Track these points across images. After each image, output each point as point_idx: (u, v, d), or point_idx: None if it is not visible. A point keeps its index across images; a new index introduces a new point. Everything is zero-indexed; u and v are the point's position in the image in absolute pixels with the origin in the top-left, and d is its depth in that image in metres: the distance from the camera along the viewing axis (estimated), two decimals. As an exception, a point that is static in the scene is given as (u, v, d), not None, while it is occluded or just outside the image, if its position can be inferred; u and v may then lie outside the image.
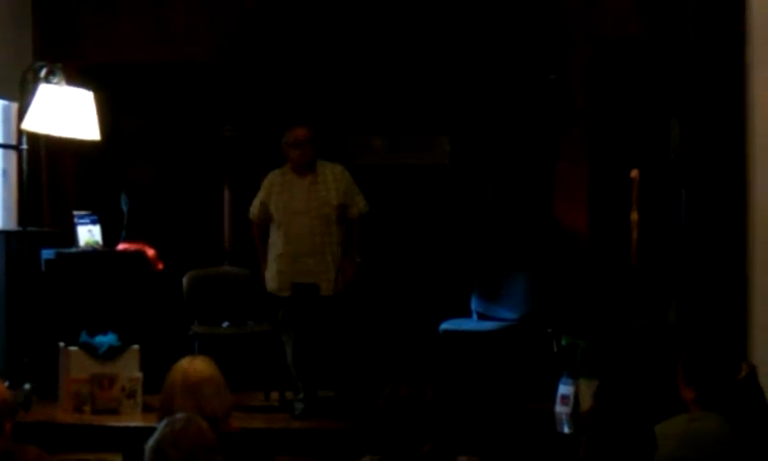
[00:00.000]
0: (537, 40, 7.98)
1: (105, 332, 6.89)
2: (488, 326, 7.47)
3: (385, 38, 8.06)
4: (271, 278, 6.91)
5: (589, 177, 7.89)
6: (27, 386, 6.76)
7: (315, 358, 6.88)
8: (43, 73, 7.02)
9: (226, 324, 7.36)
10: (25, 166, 7.08)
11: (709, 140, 7.39)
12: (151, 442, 3.16)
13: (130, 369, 6.83)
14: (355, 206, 6.90)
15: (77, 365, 6.80)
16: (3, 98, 7.70)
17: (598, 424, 3.49)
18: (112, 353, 6.83)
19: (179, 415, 3.31)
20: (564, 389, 6.39)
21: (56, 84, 6.97)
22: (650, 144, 7.64)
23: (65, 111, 6.90)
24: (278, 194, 6.91)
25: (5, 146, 7.84)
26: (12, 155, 7.82)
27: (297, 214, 6.82)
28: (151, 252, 7.49)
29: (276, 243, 6.89)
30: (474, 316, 7.67)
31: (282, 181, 6.93)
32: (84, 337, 6.85)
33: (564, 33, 7.93)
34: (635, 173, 6.97)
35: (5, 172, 7.88)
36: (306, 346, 6.85)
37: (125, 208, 7.91)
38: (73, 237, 7.31)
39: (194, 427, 3.20)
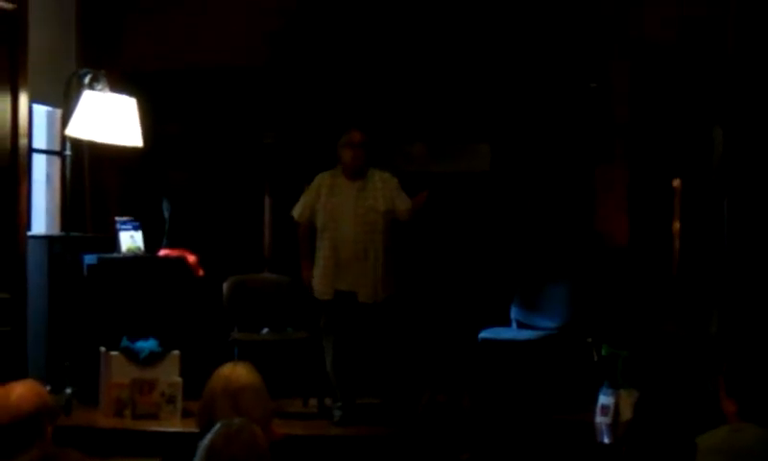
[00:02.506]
0: (578, 49, 7.96)
1: (145, 338, 6.93)
2: (527, 335, 7.44)
3: (426, 45, 8.07)
4: (315, 281, 6.93)
5: (630, 185, 7.85)
6: (68, 390, 6.80)
7: (354, 365, 6.88)
8: (87, 79, 7.07)
9: (265, 330, 7.38)
10: (68, 172, 7.13)
11: (752, 149, 7.33)
12: (205, 441, 3.18)
13: (170, 374, 6.86)
14: (404, 210, 6.89)
15: (118, 370, 6.84)
16: (47, 104, 7.77)
17: (639, 435, 3.47)
18: (153, 359, 6.86)
19: (235, 419, 3.32)
20: (605, 399, 6.35)
21: (99, 90, 7.02)
22: (692, 153, 7.59)
23: (108, 118, 6.94)
24: (327, 196, 6.91)
25: (49, 152, 7.92)
26: (56, 160, 7.91)
27: (343, 219, 6.83)
28: (192, 258, 7.53)
29: (320, 246, 6.91)
30: (514, 325, 7.65)
31: (332, 183, 6.94)
32: (124, 342, 6.89)
33: (606, 41, 7.90)
34: (677, 182, 6.93)
35: (49, 178, 7.95)
36: (345, 352, 6.86)
37: (166, 215, 7.95)
38: (115, 243, 7.35)
39: (249, 432, 3.21)
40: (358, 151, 6.87)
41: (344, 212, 6.83)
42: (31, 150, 7.52)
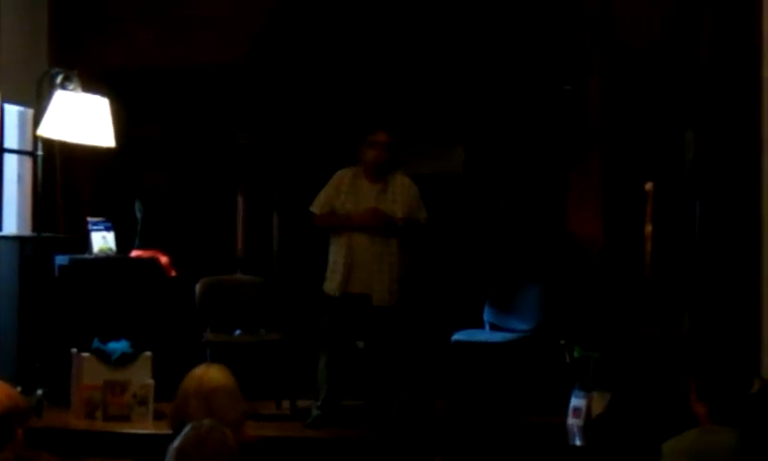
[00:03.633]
0: (552, 51, 7.98)
1: (117, 339, 6.89)
2: (500, 337, 7.46)
3: (399, 47, 8.07)
4: (327, 277, 6.90)
5: (604, 188, 7.88)
6: (39, 392, 6.76)
7: (347, 367, 6.86)
8: (59, 79, 7.04)
9: (238, 332, 7.36)
10: (40, 172, 7.10)
11: (724, 153, 7.36)
12: (175, 444, 3.17)
13: (142, 376, 6.82)
14: (422, 217, 6.88)
15: (89, 371, 6.80)
16: (18, 104, 7.73)
17: (607, 433, 3.50)
18: (125, 360, 6.83)
19: (205, 421, 3.31)
20: (577, 401, 6.37)
21: (71, 90, 6.99)
22: (665, 156, 7.62)
23: (80, 118, 6.92)
24: (346, 194, 6.86)
25: (20, 152, 7.88)
26: (28, 161, 7.86)
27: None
28: (164, 259, 7.51)
29: (334, 244, 6.87)
30: (487, 327, 7.66)
31: (352, 182, 6.88)
32: (96, 343, 6.85)
33: (580, 44, 7.93)
34: (649, 185, 6.96)
35: (20, 178, 7.91)
36: (343, 354, 6.83)
37: (139, 215, 7.92)
38: (87, 244, 7.32)
39: (218, 434, 3.21)
40: (382, 152, 6.81)
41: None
42: (2, 150, 7.50)
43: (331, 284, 6.86)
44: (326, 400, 6.81)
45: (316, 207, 6.94)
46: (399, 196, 6.84)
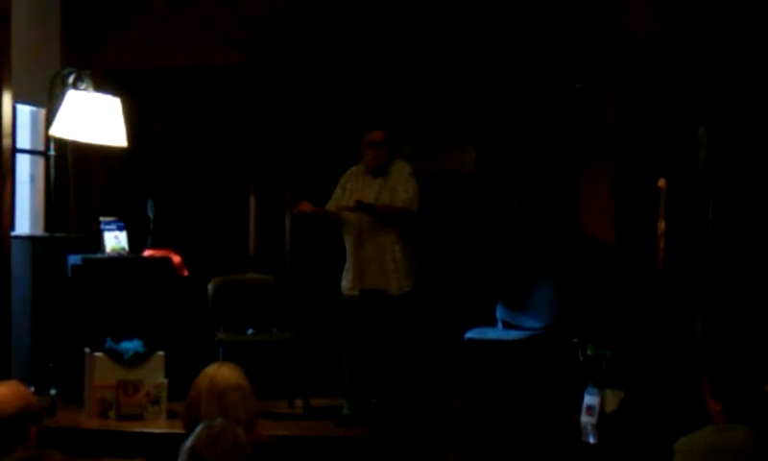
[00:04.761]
0: (563, 49, 7.96)
1: (130, 338, 6.91)
2: (513, 335, 7.45)
3: (412, 46, 8.06)
4: (343, 276, 6.93)
5: (616, 186, 7.86)
6: (52, 391, 6.78)
7: (370, 365, 6.85)
8: (71, 79, 7.05)
9: (250, 331, 7.37)
10: (52, 172, 7.11)
11: (737, 149, 7.35)
12: (188, 442, 3.17)
13: (154, 375, 6.84)
14: (398, 199, 6.85)
15: (102, 371, 6.81)
16: (31, 104, 7.74)
17: (620, 431, 3.49)
18: (137, 360, 6.84)
19: (217, 420, 3.31)
20: (590, 399, 6.36)
21: (83, 90, 7.00)
22: (677, 153, 7.60)
23: (93, 118, 6.93)
24: (351, 191, 6.91)
25: (33, 152, 7.89)
26: (40, 161, 7.88)
27: (363, 216, 6.80)
28: (176, 258, 7.52)
29: (345, 242, 6.92)
30: (499, 325, 7.65)
31: (357, 179, 6.95)
32: (109, 343, 6.86)
33: (591, 42, 7.92)
34: (662, 182, 6.94)
35: (32, 178, 7.92)
36: (364, 351, 6.84)
37: (151, 215, 7.93)
38: (99, 243, 7.32)
39: (231, 433, 3.21)
40: (379, 150, 6.86)
41: None
42: (15, 150, 7.50)
43: (345, 283, 6.89)
44: (354, 398, 6.81)
45: (329, 205, 6.99)
46: (398, 185, 6.86)
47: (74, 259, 7.22)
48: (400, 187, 6.86)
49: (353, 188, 6.92)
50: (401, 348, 6.82)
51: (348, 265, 6.90)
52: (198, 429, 3.21)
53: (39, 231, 7.74)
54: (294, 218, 7.78)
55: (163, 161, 8.37)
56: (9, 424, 3.55)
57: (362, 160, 6.96)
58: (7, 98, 7.10)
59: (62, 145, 7.29)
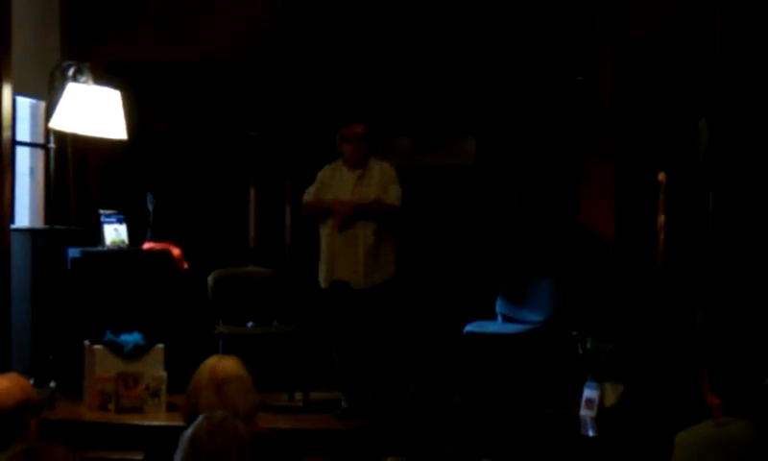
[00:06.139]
0: (564, 42, 7.96)
1: (130, 331, 6.91)
2: (512, 328, 7.45)
3: (412, 38, 8.05)
4: (319, 268, 6.93)
5: (616, 179, 7.86)
6: (52, 384, 6.78)
7: (359, 358, 6.84)
8: (71, 72, 7.05)
9: (250, 323, 7.37)
10: (52, 165, 7.10)
11: (737, 142, 7.34)
12: (187, 433, 3.17)
13: (154, 368, 6.84)
14: (388, 197, 6.86)
15: (102, 363, 6.82)
16: (31, 97, 7.74)
17: (620, 424, 3.49)
18: (137, 352, 6.85)
19: (217, 412, 3.31)
20: (589, 392, 6.37)
21: (83, 82, 7.00)
22: (677, 146, 7.60)
23: (93, 110, 6.92)
24: (327, 186, 6.91)
25: (32, 144, 7.89)
26: (40, 153, 7.88)
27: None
28: (176, 251, 7.51)
29: (321, 235, 6.91)
30: (499, 318, 7.65)
31: (332, 175, 6.95)
32: (109, 336, 6.86)
33: (592, 35, 7.91)
34: (662, 176, 6.94)
35: (32, 170, 7.92)
36: (348, 344, 6.84)
37: (151, 208, 7.93)
38: (99, 236, 7.32)
39: (230, 425, 3.20)
40: (358, 144, 6.86)
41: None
42: (14, 142, 7.50)
43: (321, 276, 6.89)
44: (348, 391, 6.81)
45: (305, 199, 6.99)
46: (376, 179, 6.85)
47: (74, 252, 7.22)
48: (390, 187, 6.84)
49: (330, 183, 6.90)
50: (381, 340, 6.81)
51: (322, 256, 6.89)
52: (197, 421, 3.21)
53: (39, 224, 7.75)
54: (294, 210, 7.79)
55: (163, 154, 8.37)
56: (8, 416, 3.54)
57: (339, 153, 6.95)
58: (7, 90, 7.10)
59: (62, 138, 7.29)
